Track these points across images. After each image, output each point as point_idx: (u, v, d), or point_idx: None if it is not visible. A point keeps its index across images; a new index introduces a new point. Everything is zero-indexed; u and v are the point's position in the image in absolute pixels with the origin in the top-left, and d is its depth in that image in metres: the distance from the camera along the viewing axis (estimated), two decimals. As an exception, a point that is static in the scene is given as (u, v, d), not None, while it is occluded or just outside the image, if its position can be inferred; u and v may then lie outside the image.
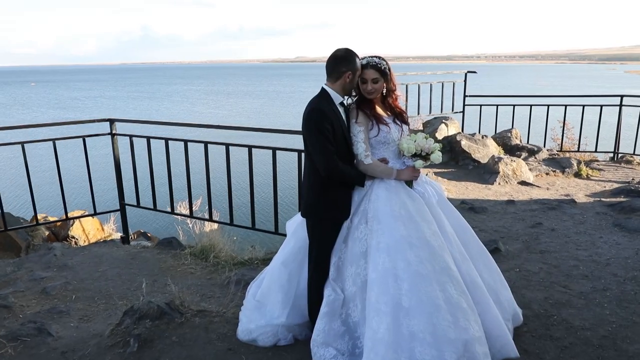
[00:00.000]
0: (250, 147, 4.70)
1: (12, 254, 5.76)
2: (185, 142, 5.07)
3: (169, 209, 5.54)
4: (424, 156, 2.73)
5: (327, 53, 2.66)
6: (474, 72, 8.78)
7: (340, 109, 2.66)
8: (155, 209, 5.52)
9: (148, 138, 5.27)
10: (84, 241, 7.05)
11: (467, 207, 5.49)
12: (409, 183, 2.76)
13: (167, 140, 5.17)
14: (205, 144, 4.94)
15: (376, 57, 2.71)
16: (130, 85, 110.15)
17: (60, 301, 4.15)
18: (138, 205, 5.64)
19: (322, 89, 2.65)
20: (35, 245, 6.20)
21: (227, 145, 4.83)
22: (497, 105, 8.35)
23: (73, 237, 6.92)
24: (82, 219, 6.96)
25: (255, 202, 5.01)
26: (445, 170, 7.32)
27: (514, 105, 8.29)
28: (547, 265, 4.02)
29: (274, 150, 4.53)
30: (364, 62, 2.68)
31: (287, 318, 2.92)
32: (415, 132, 2.90)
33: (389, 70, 2.73)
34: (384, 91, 2.77)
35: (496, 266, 2.96)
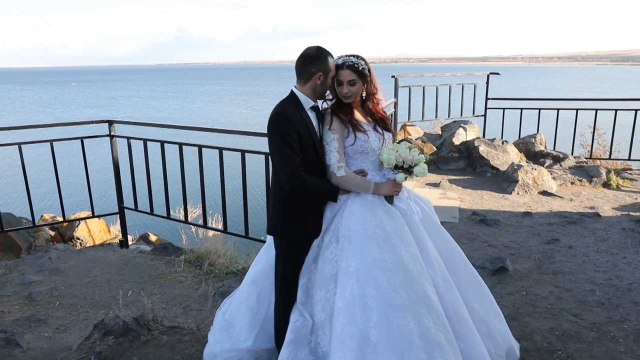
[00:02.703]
0: (243, 152, 4.47)
1: (12, 254, 5.73)
2: (180, 145, 4.90)
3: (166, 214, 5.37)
4: (407, 169, 2.42)
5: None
6: (497, 73, 8.31)
7: (312, 115, 2.39)
8: (152, 213, 5.37)
9: (145, 140, 5.13)
10: (89, 242, 7.01)
11: (477, 219, 5.09)
12: (389, 199, 2.45)
13: (162, 143, 5.01)
14: (199, 147, 4.74)
15: (354, 56, 2.41)
16: (165, 85, 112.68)
17: (42, 308, 4.03)
18: (136, 209, 5.51)
19: (291, 91, 2.38)
20: (37, 247, 6.18)
21: (221, 150, 4.62)
22: (522, 109, 7.86)
23: (78, 238, 6.89)
24: (87, 220, 6.93)
25: (250, 208, 4.79)
26: (462, 177, 6.91)
27: (539, 109, 7.78)
28: (558, 288, 3.61)
29: (267, 155, 4.28)
30: (339, 61, 2.39)
31: (254, 342, 2.66)
32: (400, 141, 2.59)
33: (369, 71, 2.44)
34: (364, 94, 2.47)
35: (489, 294, 2.62)
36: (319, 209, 2.43)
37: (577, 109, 7.47)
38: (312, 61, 2.30)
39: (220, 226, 5.27)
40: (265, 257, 2.72)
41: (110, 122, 5.38)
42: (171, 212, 5.31)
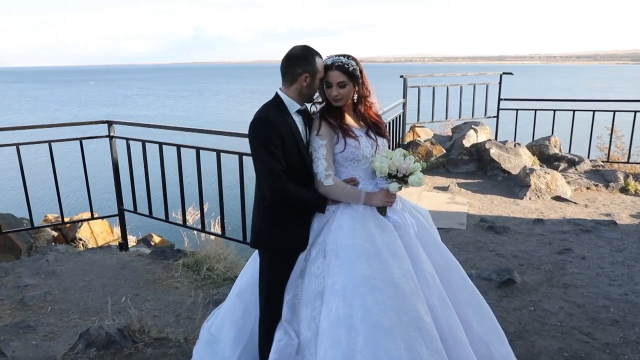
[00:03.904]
0: (240, 155, 4.33)
1: (11, 256, 5.67)
2: (178, 147, 4.77)
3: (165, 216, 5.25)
4: (401, 177, 2.24)
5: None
6: (510, 73, 8.03)
7: (298, 119, 2.22)
8: (150, 215, 5.26)
9: (143, 142, 5.02)
10: (92, 243, 6.94)
11: (486, 226, 4.87)
12: (382, 210, 2.28)
13: (160, 144, 4.89)
14: (197, 149, 4.62)
15: (344, 56, 2.24)
16: (181, 84, 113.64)
17: (34, 313, 3.94)
18: (135, 211, 5.40)
19: (275, 94, 2.22)
20: (37, 248, 6.12)
21: (219, 152, 4.48)
22: (536, 110, 7.58)
23: (80, 239, 6.83)
24: (90, 221, 6.87)
25: (249, 213, 4.63)
26: (471, 180, 6.68)
27: (554, 110, 7.49)
28: (569, 304, 3.39)
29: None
30: (328, 62, 2.22)
31: (239, 360, 2.51)
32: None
33: (361, 72, 2.26)
34: (355, 97, 2.30)
35: (490, 312, 2.42)
36: (306, 220, 2.26)
37: (594, 110, 7.17)
38: (298, 61, 2.13)
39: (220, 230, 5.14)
40: (252, 269, 2.56)
41: (110, 123, 5.28)
42: (172, 215, 5.19)
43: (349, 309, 2.02)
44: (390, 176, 2.24)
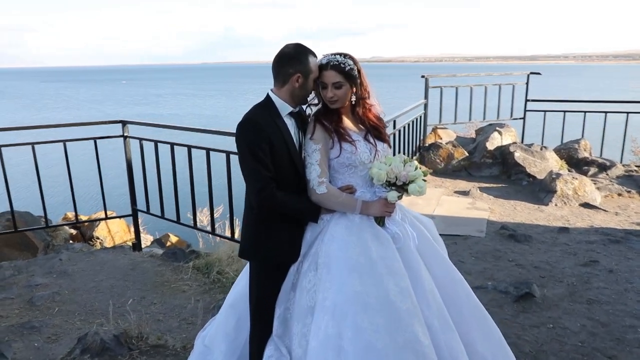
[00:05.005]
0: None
1: (28, 254, 5.75)
2: (189, 147, 4.72)
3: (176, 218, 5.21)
4: (400, 186, 2.08)
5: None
6: (538, 73, 7.68)
7: (290, 122, 2.08)
8: (162, 216, 5.23)
9: (155, 142, 4.99)
10: (109, 242, 6.99)
11: (506, 234, 4.62)
12: (380, 220, 2.12)
13: (172, 145, 4.85)
14: (207, 150, 4.54)
15: (340, 54, 2.09)
16: (210, 83, 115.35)
17: (41, 313, 3.94)
18: (148, 212, 5.38)
19: (267, 95, 2.08)
20: (54, 246, 6.18)
21: (228, 154, 4.39)
22: (565, 112, 7.23)
23: (97, 238, 6.88)
24: (108, 220, 6.90)
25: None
26: (494, 185, 6.40)
27: (584, 112, 7.12)
28: (592, 322, 3.14)
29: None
30: (324, 61, 2.08)
31: (230, 375, 2.39)
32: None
33: (359, 72, 2.11)
34: (353, 99, 2.14)
35: (498, 334, 2.22)
36: (297, 230, 2.12)
37: (627, 112, 6.78)
38: (289, 61, 1.99)
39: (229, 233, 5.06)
40: (245, 279, 2.43)
41: (124, 123, 5.28)
42: (187, 215, 5.15)
43: (338, 328, 1.87)
44: (389, 184, 2.08)
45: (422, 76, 7.25)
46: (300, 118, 2.15)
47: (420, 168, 2.10)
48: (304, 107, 2.20)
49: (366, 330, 1.85)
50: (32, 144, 4.90)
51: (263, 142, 1.93)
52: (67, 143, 5.01)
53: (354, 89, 2.11)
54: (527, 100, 7.66)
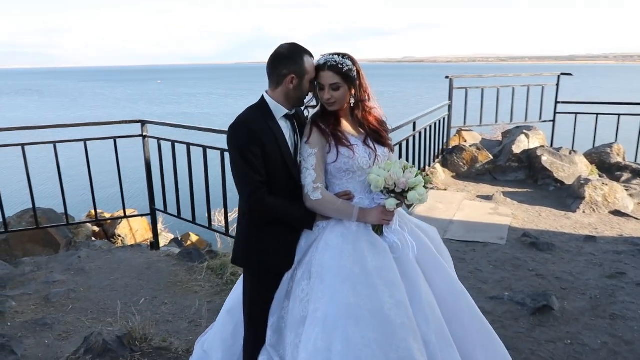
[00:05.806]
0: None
1: (51, 250, 5.88)
2: (204, 148, 4.72)
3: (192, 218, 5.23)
4: (399, 193, 1.98)
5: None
6: (569, 74, 7.37)
7: (285, 125, 2.01)
8: (179, 216, 5.26)
9: (172, 142, 5.02)
10: (130, 240, 7.10)
11: (528, 242, 4.42)
12: (378, 229, 2.02)
13: (188, 145, 4.87)
14: (222, 151, 4.53)
15: (339, 54, 2.00)
16: (241, 83, 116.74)
17: (55, 310, 4.00)
18: (165, 211, 5.42)
19: (261, 97, 2.02)
20: (76, 243, 6.31)
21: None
22: (597, 114, 6.90)
23: (119, 236, 7.00)
24: (130, 218, 7.01)
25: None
26: (519, 190, 6.16)
27: (618, 115, 6.79)
28: (615, 339, 2.94)
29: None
30: (321, 61, 2.00)
31: (226, 382, 2.34)
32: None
33: (358, 72, 2.02)
34: (352, 101, 2.06)
35: (503, 350, 2.09)
36: (292, 237, 2.05)
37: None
38: (283, 61, 1.93)
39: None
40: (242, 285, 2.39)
41: (143, 122, 5.33)
42: (205, 216, 5.16)
43: (328, 341, 1.79)
44: (388, 191, 1.98)
45: (447, 77, 7.06)
46: (297, 120, 2.08)
47: (422, 174, 2.00)
48: (302, 109, 2.13)
49: (357, 344, 1.76)
50: (54, 142, 4.99)
51: (254, 145, 1.87)
52: (85, 142, 5.09)
53: (353, 91, 2.03)
54: (557, 102, 7.36)
